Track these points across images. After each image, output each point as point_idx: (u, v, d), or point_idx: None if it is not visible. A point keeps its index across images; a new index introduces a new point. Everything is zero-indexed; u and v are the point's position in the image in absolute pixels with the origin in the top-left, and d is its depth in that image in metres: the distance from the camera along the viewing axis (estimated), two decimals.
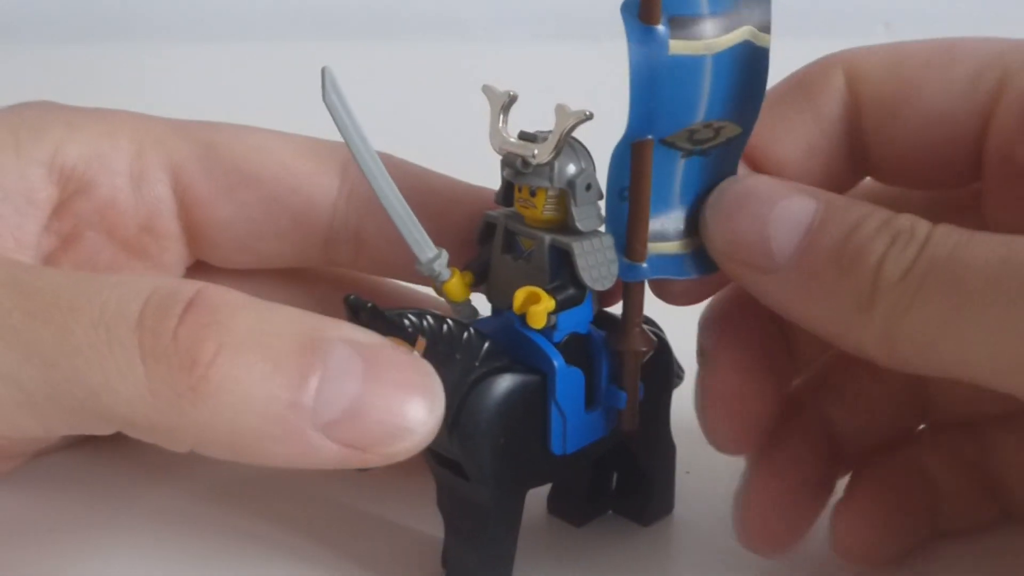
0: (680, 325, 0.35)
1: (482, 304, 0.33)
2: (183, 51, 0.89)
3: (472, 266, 0.32)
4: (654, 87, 0.29)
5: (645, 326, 0.32)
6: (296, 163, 0.34)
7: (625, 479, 0.36)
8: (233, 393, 0.24)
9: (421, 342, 0.29)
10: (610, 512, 0.36)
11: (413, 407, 0.26)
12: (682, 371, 0.36)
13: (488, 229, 0.32)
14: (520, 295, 0.30)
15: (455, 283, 0.31)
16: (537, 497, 0.36)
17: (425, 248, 0.31)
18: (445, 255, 0.31)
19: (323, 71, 0.28)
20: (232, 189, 0.34)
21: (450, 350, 0.30)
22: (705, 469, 0.38)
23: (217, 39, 0.91)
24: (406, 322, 0.29)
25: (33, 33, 0.93)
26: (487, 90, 0.31)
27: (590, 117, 0.29)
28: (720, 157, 0.31)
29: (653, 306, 0.33)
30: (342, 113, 0.29)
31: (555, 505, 0.36)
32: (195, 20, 0.95)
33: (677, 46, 0.29)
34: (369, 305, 0.28)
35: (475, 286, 0.32)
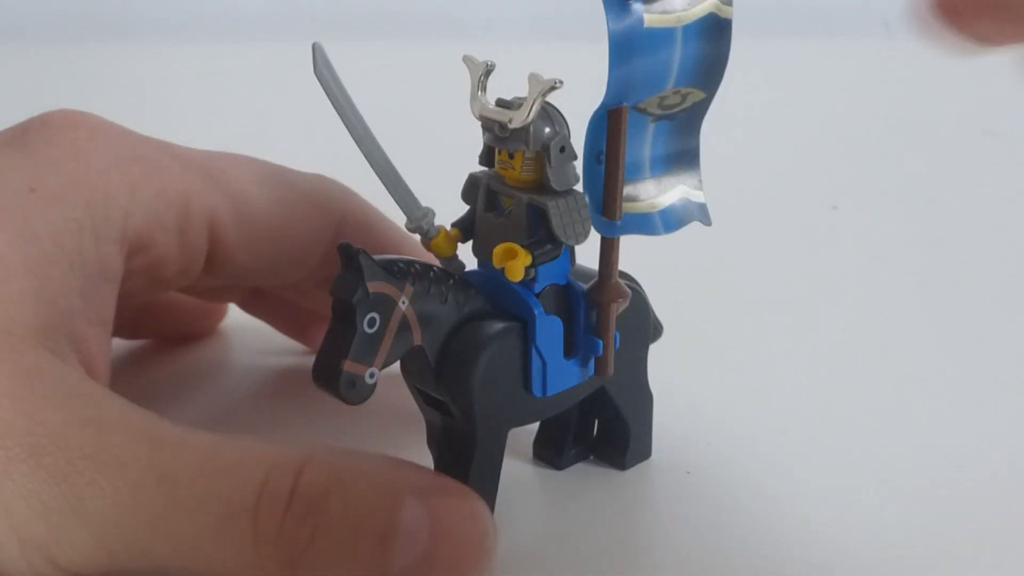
0: (657, 281, 0.37)
1: (470, 259, 0.35)
2: (183, 51, 0.89)
3: (459, 223, 0.34)
4: (631, 58, 0.31)
5: (622, 280, 0.35)
6: (309, 218, 0.38)
7: (606, 427, 0.38)
8: (324, 565, 0.29)
9: (409, 288, 0.31)
10: (591, 458, 0.39)
11: (472, 554, 0.31)
12: (660, 326, 0.38)
13: (472, 188, 0.34)
14: (499, 250, 0.33)
15: (442, 239, 0.34)
16: (523, 443, 0.38)
17: (413, 208, 0.33)
18: (432, 213, 0.33)
19: (313, 47, 0.29)
20: (255, 242, 0.37)
21: (436, 294, 0.32)
22: (706, 469, 0.38)
23: (217, 39, 0.91)
24: (395, 268, 0.31)
25: (33, 33, 0.93)
26: (467, 60, 0.33)
27: (559, 85, 0.31)
28: (684, 121, 0.35)
29: (635, 264, 0.35)
30: (332, 85, 0.30)
31: (540, 450, 0.39)
32: (195, 20, 0.95)
33: (651, 19, 0.32)
34: (360, 252, 0.30)
35: (463, 242, 0.34)
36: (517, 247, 0.33)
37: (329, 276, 0.33)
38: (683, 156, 0.35)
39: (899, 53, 0.90)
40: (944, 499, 0.37)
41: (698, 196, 0.35)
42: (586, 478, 0.38)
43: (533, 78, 0.31)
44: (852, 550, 0.35)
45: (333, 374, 0.30)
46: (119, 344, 0.45)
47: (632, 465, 0.38)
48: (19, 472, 0.28)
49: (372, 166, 0.32)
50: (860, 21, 0.95)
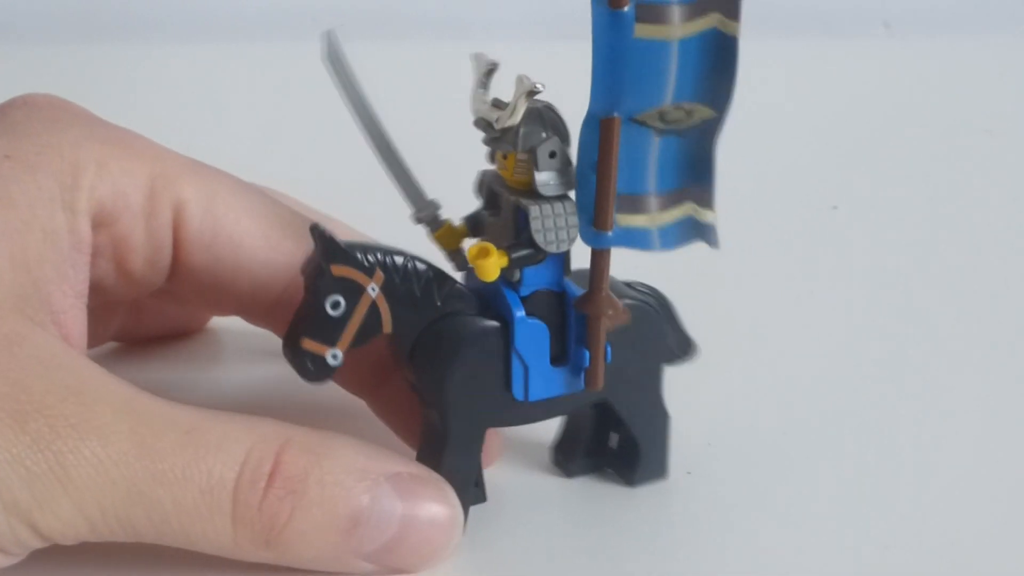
0: (657, 281, 0.37)
1: None
2: (183, 51, 0.89)
3: (468, 218, 0.35)
4: (617, 68, 0.31)
5: (639, 292, 0.35)
6: (276, 237, 0.36)
7: (621, 441, 0.38)
8: (299, 543, 0.31)
9: (380, 275, 0.32)
10: (607, 470, 0.38)
11: (439, 538, 0.33)
12: (691, 345, 0.38)
13: (480, 185, 0.35)
14: (473, 249, 0.33)
15: (445, 232, 0.34)
16: (541, 447, 0.38)
17: (418, 199, 0.33)
18: (437, 206, 0.34)
19: (328, 33, 0.29)
20: (213, 242, 0.36)
21: (410, 285, 0.32)
22: (706, 469, 0.38)
23: (217, 39, 0.91)
24: (366, 258, 0.32)
25: (33, 33, 0.93)
26: (475, 57, 0.33)
27: (541, 89, 0.31)
28: (696, 138, 0.34)
29: (635, 263, 0.35)
30: (343, 72, 0.31)
31: (556, 456, 0.38)
32: (195, 20, 0.95)
33: (643, 30, 0.31)
34: (324, 233, 0.31)
35: (471, 237, 0.35)
36: (491, 247, 0.33)
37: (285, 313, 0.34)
38: (694, 174, 0.34)
39: (899, 53, 0.91)
40: (945, 499, 0.37)
41: (707, 216, 0.34)
42: (590, 483, 0.38)
43: (519, 80, 0.31)
44: (852, 550, 0.35)
45: (292, 350, 0.32)
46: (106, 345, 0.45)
47: (643, 483, 0.37)
48: (3, 436, 0.29)
49: (379, 154, 0.32)
50: (860, 21, 0.95)
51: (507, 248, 0.33)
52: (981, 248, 0.57)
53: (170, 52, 0.90)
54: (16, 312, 0.31)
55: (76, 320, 0.33)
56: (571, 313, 0.34)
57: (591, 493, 0.37)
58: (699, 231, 0.34)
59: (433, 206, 0.34)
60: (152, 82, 0.84)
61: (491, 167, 0.34)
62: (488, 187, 0.34)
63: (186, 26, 0.95)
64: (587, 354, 0.34)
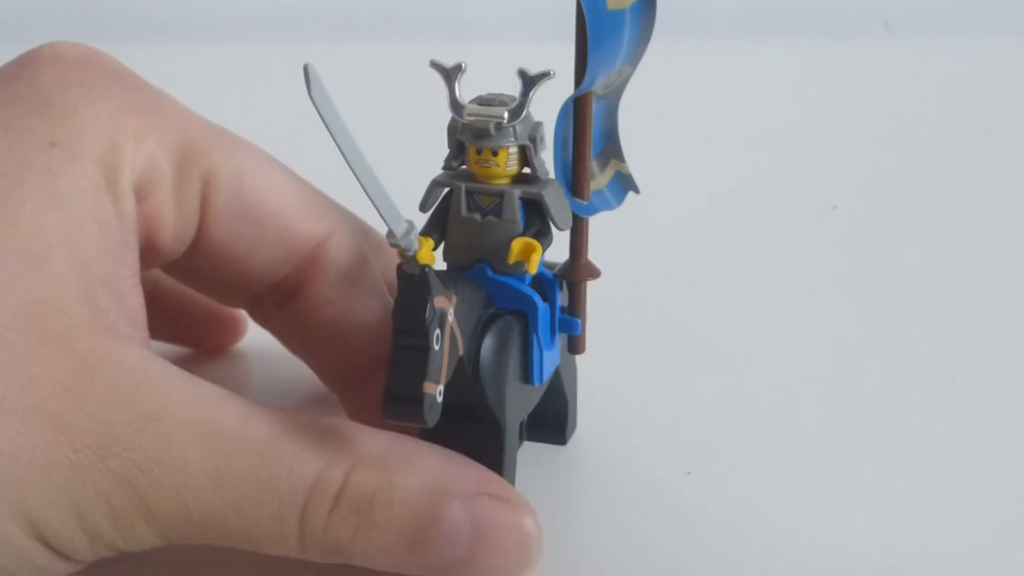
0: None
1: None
2: (183, 51, 0.89)
3: (430, 232, 0.34)
4: (601, 42, 0.32)
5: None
6: (297, 218, 0.36)
7: (539, 408, 0.37)
8: (363, 558, 0.31)
9: (454, 297, 0.31)
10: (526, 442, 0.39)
11: (512, 564, 0.32)
12: None
13: (433, 195, 0.34)
14: (517, 246, 0.33)
15: (425, 251, 0.33)
16: None
17: (400, 223, 0.32)
18: (416, 228, 0.32)
19: (305, 68, 0.29)
20: (236, 219, 0.36)
21: (468, 300, 0.32)
22: (706, 469, 0.38)
23: (217, 39, 0.91)
24: (444, 278, 0.31)
25: (33, 33, 0.93)
26: (435, 65, 0.33)
27: (552, 75, 0.32)
28: (613, 99, 0.36)
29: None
30: (324, 105, 0.29)
31: None
32: (195, 20, 0.95)
33: (612, 1, 0.33)
34: (427, 269, 0.30)
35: (435, 249, 0.34)
36: (533, 241, 0.33)
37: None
38: (611, 132, 0.36)
39: (899, 53, 0.91)
40: (946, 498, 0.37)
41: (626, 168, 0.37)
42: (590, 483, 0.38)
43: (524, 73, 0.32)
44: (853, 550, 0.35)
45: (416, 398, 0.30)
46: None
47: (569, 438, 0.39)
48: (88, 473, 0.29)
49: (360, 181, 0.31)
50: (860, 21, 0.95)
51: (534, 238, 0.33)
52: (981, 248, 0.57)
53: (170, 52, 0.89)
54: (89, 325, 0.30)
55: (136, 300, 0.33)
56: (555, 290, 0.35)
57: (591, 493, 0.37)
58: (628, 183, 0.37)
59: (412, 230, 0.32)
60: (152, 82, 0.84)
61: (443, 174, 0.34)
62: (464, 191, 0.34)
63: (186, 26, 0.95)
64: (577, 322, 0.36)
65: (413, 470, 0.31)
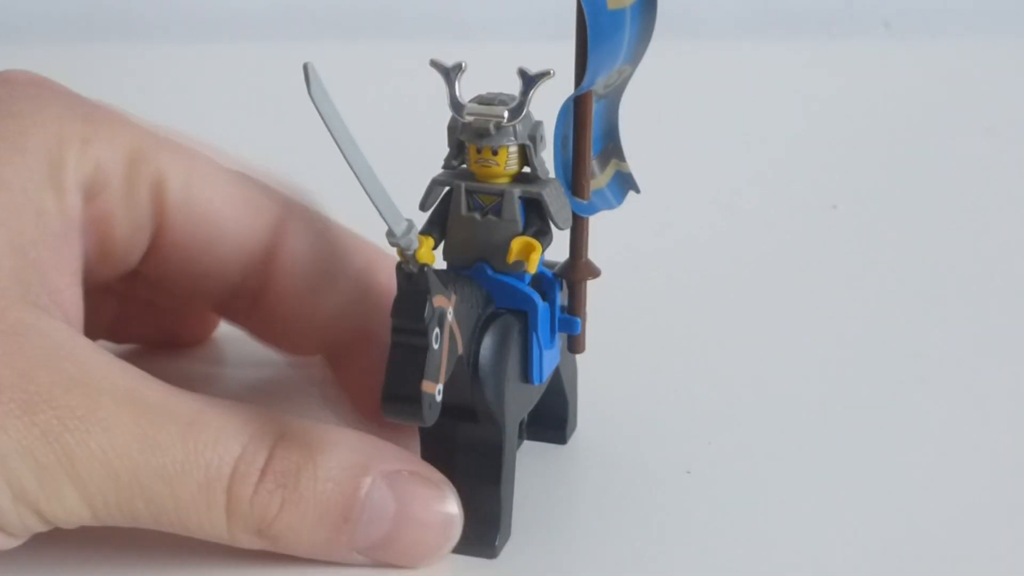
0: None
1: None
2: (183, 51, 0.89)
3: (430, 231, 0.34)
4: (601, 42, 0.32)
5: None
6: (246, 212, 0.37)
7: (539, 407, 0.37)
8: (289, 535, 0.32)
9: (454, 297, 0.31)
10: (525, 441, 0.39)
11: (434, 539, 0.33)
12: None
13: (433, 194, 0.34)
14: (516, 246, 0.33)
15: (425, 250, 0.33)
16: None
17: (400, 222, 0.32)
18: (416, 227, 0.33)
19: (305, 67, 0.29)
20: (188, 220, 0.36)
21: (468, 299, 0.32)
22: (706, 469, 0.38)
23: (217, 39, 0.91)
24: (443, 277, 0.31)
25: (33, 33, 0.93)
26: (435, 64, 0.33)
27: (552, 75, 0.32)
28: (613, 98, 0.36)
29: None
30: (324, 104, 0.30)
31: None
32: (195, 20, 0.95)
33: (612, 1, 0.33)
34: (427, 269, 0.30)
35: (435, 248, 0.34)
36: (533, 240, 0.33)
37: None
38: (612, 131, 0.37)
39: (899, 53, 0.91)
40: (946, 498, 0.37)
41: (626, 167, 0.37)
42: (589, 483, 0.38)
43: (524, 73, 0.32)
44: (853, 550, 0.35)
45: (414, 397, 0.30)
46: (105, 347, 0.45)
47: (569, 437, 0.39)
48: (14, 428, 0.29)
49: (360, 179, 0.31)
50: (860, 21, 0.95)
51: (534, 237, 0.33)
52: (981, 248, 0.57)
53: (170, 52, 0.90)
54: (19, 300, 0.31)
55: (74, 299, 0.33)
56: (554, 289, 0.35)
57: (591, 492, 0.37)
58: (629, 182, 0.37)
59: (412, 229, 0.32)
60: (152, 82, 0.84)
61: (443, 173, 0.34)
62: (464, 190, 0.34)
63: (186, 26, 0.95)
64: (577, 322, 0.36)
65: (336, 448, 0.32)
